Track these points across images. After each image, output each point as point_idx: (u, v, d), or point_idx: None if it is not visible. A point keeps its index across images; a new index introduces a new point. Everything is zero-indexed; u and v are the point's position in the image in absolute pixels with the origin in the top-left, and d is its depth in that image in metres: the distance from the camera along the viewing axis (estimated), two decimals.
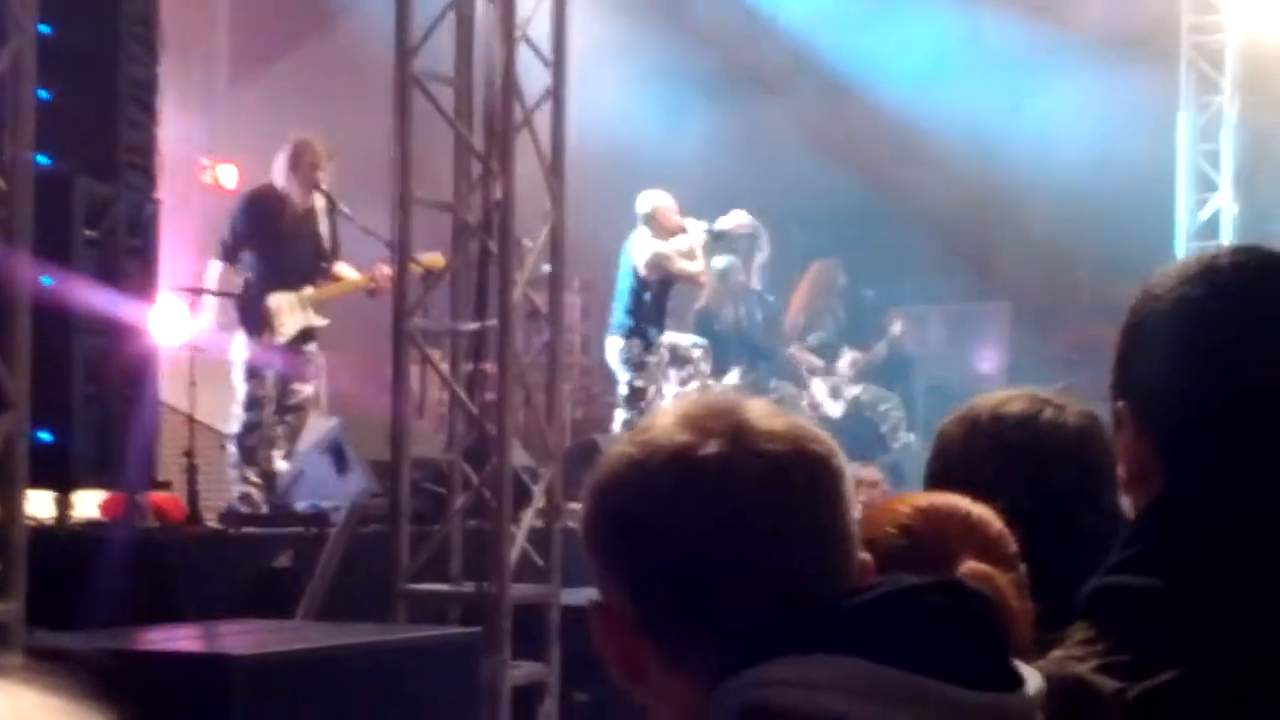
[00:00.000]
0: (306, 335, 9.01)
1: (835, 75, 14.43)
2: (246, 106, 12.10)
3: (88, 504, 7.43)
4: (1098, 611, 1.62)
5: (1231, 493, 1.59)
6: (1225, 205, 12.82)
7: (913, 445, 11.80)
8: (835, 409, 12.14)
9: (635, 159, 12.64)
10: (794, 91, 14.45)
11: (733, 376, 11.68)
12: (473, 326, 6.75)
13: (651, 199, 10.70)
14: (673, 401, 9.73)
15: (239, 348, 8.92)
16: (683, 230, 10.72)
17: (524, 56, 6.57)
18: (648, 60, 13.83)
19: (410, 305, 6.64)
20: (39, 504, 6.83)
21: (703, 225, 10.83)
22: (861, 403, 12.25)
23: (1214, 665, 1.51)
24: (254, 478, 8.78)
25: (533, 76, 6.63)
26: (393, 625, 6.24)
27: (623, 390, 10.61)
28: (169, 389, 8.22)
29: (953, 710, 1.27)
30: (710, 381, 11.29)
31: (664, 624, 1.36)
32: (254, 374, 8.88)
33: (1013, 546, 1.83)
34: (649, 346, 10.56)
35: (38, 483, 6.09)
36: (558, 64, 6.67)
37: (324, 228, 9.08)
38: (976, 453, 2.20)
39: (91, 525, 7.09)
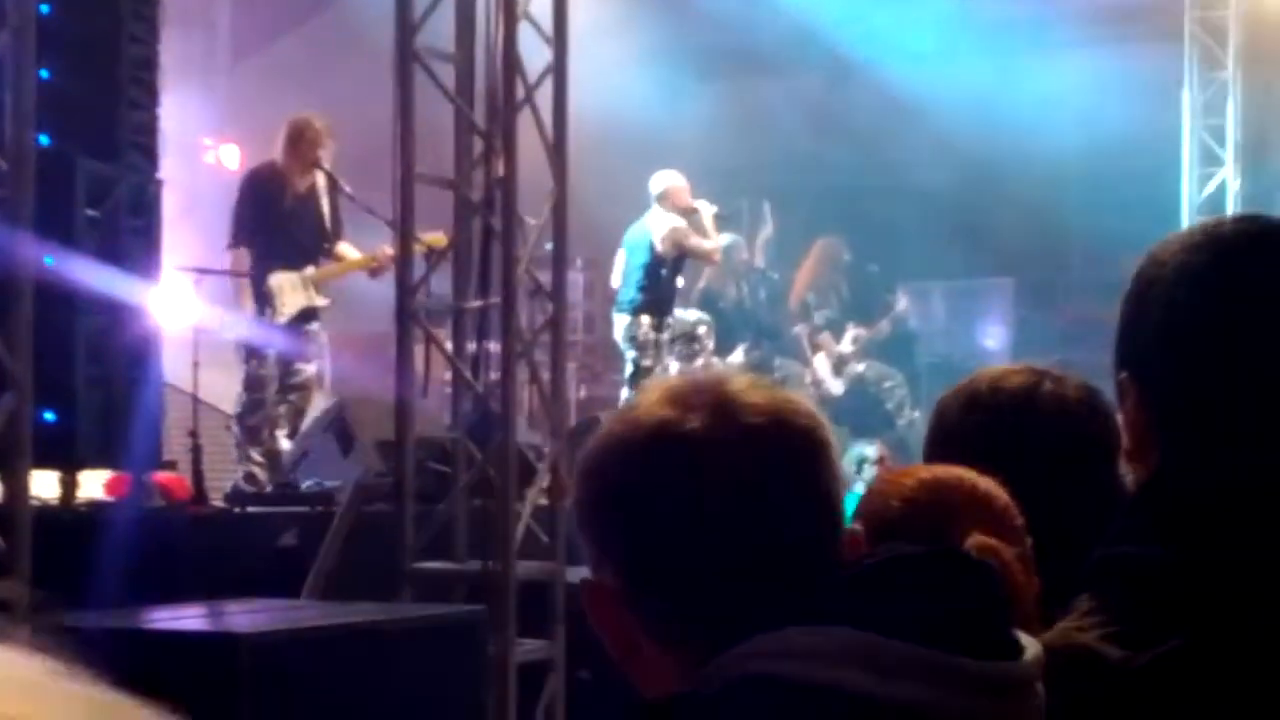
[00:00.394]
0: (308, 315, 9.00)
1: (836, 52, 14.39)
2: (249, 86, 12.08)
3: (93, 484, 7.44)
4: (1101, 582, 1.61)
5: (1230, 462, 1.59)
6: (1230, 180, 12.80)
7: (917, 422, 11.80)
8: (839, 386, 12.14)
9: (637, 137, 12.62)
10: (795, 69, 14.42)
11: (737, 355, 11.68)
12: (476, 305, 6.74)
13: (665, 179, 10.75)
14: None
15: (240, 327, 8.91)
16: (694, 210, 10.77)
17: (525, 34, 6.55)
18: (649, 38, 13.81)
19: (413, 283, 6.63)
20: (44, 484, 6.84)
21: (713, 208, 10.88)
22: (866, 380, 12.25)
23: (1217, 633, 1.51)
24: (257, 457, 8.79)
25: (534, 54, 6.61)
26: (398, 604, 6.25)
27: (629, 369, 10.63)
28: (173, 369, 8.23)
29: (951, 679, 1.27)
30: (715, 360, 11.29)
31: (654, 599, 1.37)
32: (254, 354, 8.87)
33: (1018, 519, 1.83)
34: (660, 324, 10.57)
35: (42, 463, 6.10)
36: (559, 41, 6.65)
37: (325, 207, 9.06)
38: (976, 426, 2.20)
39: (96, 505, 7.10)
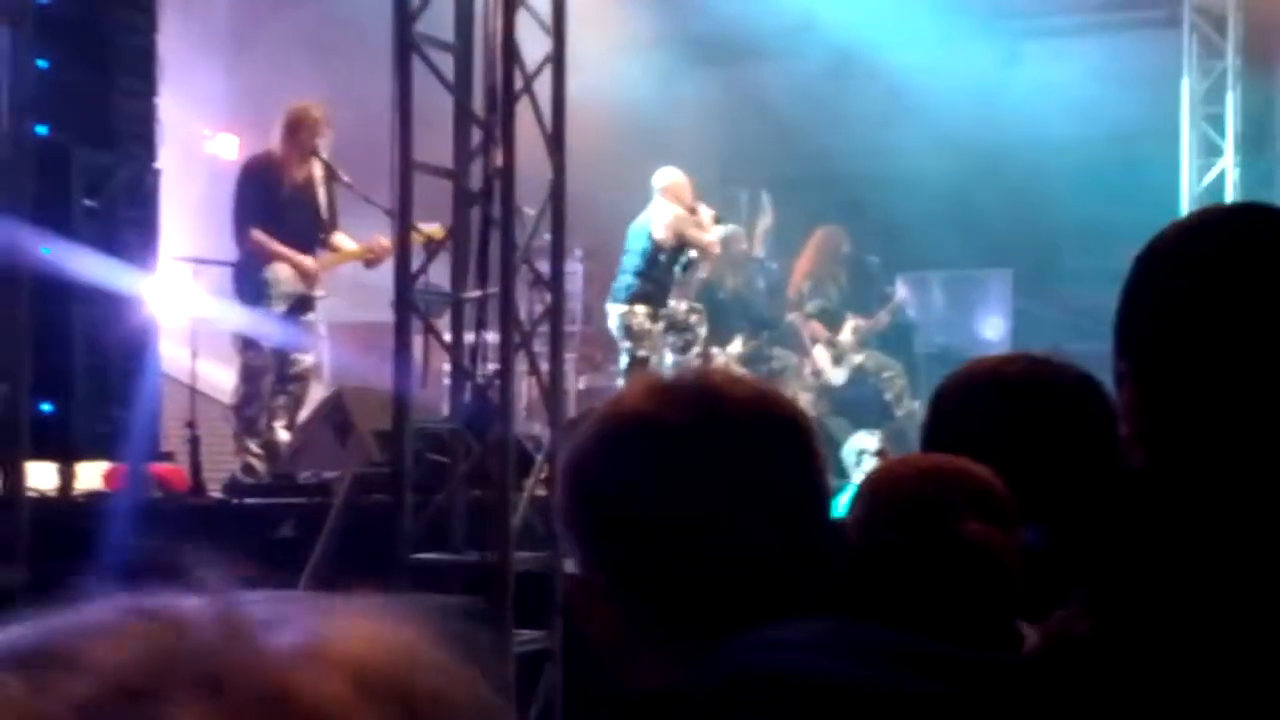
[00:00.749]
0: (305, 304, 8.97)
1: (835, 41, 14.37)
2: (247, 76, 12.06)
3: (91, 475, 7.45)
4: (1096, 571, 1.61)
5: (1226, 453, 1.58)
6: (1229, 169, 12.78)
7: (916, 412, 11.78)
8: (838, 377, 12.12)
9: (637, 126, 12.61)
10: (794, 57, 14.39)
11: (735, 345, 11.67)
12: (475, 295, 6.73)
13: (668, 174, 10.79)
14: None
15: (232, 316, 8.86)
16: (694, 211, 10.82)
17: (524, 23, 6.54)
18: (648, 26, 13.79)
19: (412, 273, 6.62)
20: (43, 475, 6.84)
21: (712, 212, 10.95)
22: (865, 370, 12.23)
23: (1208, 625, 1.51)
24: (255, 448, 8.76)
25: (533, 43, 6.60)
26: (396, 595, 6.24)
27: (624, 360, 10.64)
28: (171, 359, 8.23)
29: (947, 669, 1.27)
30: (715, 350, 11.29)
31: (642, 593, 1.36)
32: (250, 344, 8.83)
33: (1014, 508, 1.82)
34: (654, 314, 10.58)
35: (40, 454, 6.10)
36: (558, 31, 6.63)
37: (322, 196, 9.02)
38: (974, 414, 2.19)
39: (95, 496, 7.10)
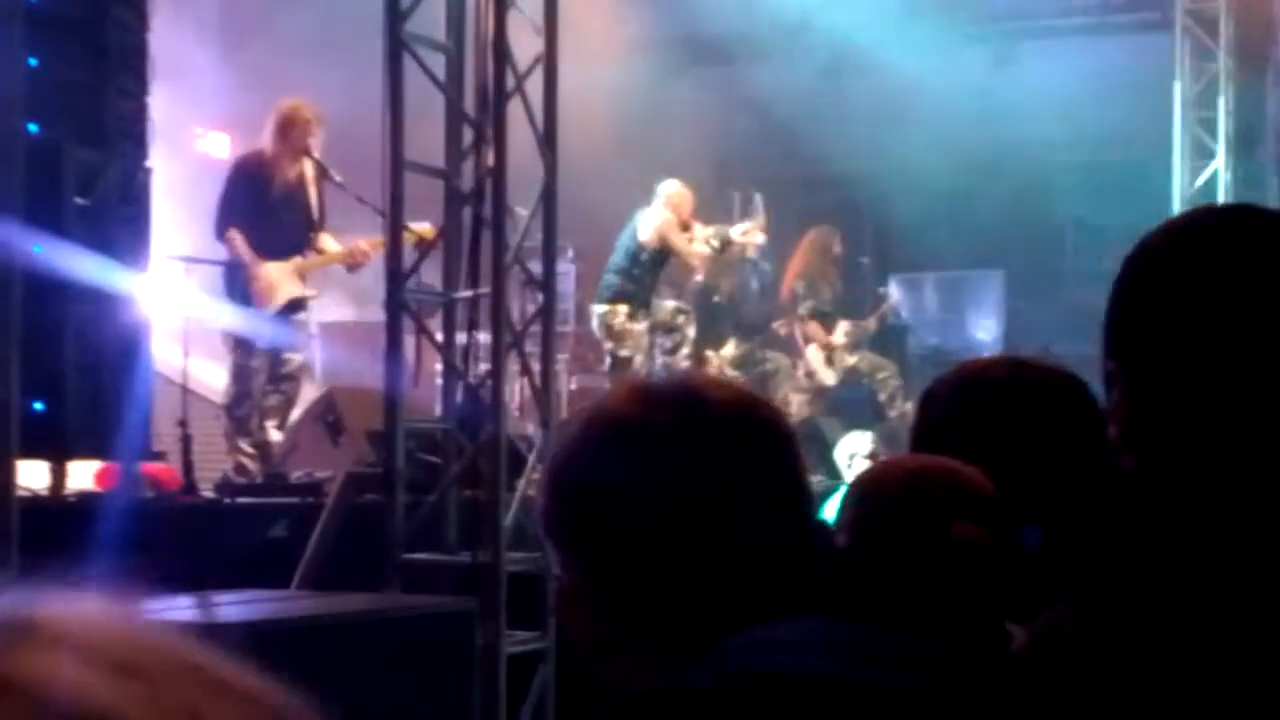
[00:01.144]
0: (297, 305, 8.95)
1: (828, 42, 14.37)
2: (239, 74, 12.05)
3: (83, 474, 7.43)
4: (1090, 573, 1.61)
5: (1217, 455, 1.58)
6: (1221, 171, 12.80)
7: (910, 414, 11.75)
8: (831, 378, 12.13)
9: (630, 126, 12.61)
10: (787, 58, 14.40)
11: (729, 348, 11.68)
12: (466, 295, 6.73)
13: (672, 186, 10.83)
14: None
15: (225, 315, 8.84)
16: (689, 227, 10.85)
17: (516, 23, 6.53)
18: (641, 26, 13.79)
19: (403, 273, 6.62)
20: (34, 475, 6.82)
21: (708, 232, 10.96)
22: (858, 371, 12.24)
23: (1201, 626, 1.51)
24: (247, 448, 8.74)
25: (524, 43, 6.60)
26: (388, 595, 6.24)
27: (607, 360, 10.67)
28: (163, 358, 8.21)
29: (936, 668, 1.27)
30: (708, 352, 11.29)
31: (631, 596, 1.36)
32: (242, 344, 8.81)
33: (1004, 509, 1.83)
34: (634, 314, 10.59)
35: (31, 453, 6.09)
36: (549, 31, 6.63)
37: (313, 196, 8.99)
38: (960, 418, 2.19)
39: (86, 495, 7.09)
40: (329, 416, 8.55)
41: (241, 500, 7.77)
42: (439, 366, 7.24)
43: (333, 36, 11.29)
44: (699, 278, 11.67)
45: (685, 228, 10.85)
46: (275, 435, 8.82)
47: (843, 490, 1.87)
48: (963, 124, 13.59)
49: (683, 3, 14.27)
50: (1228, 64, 12.79)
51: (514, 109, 6.49)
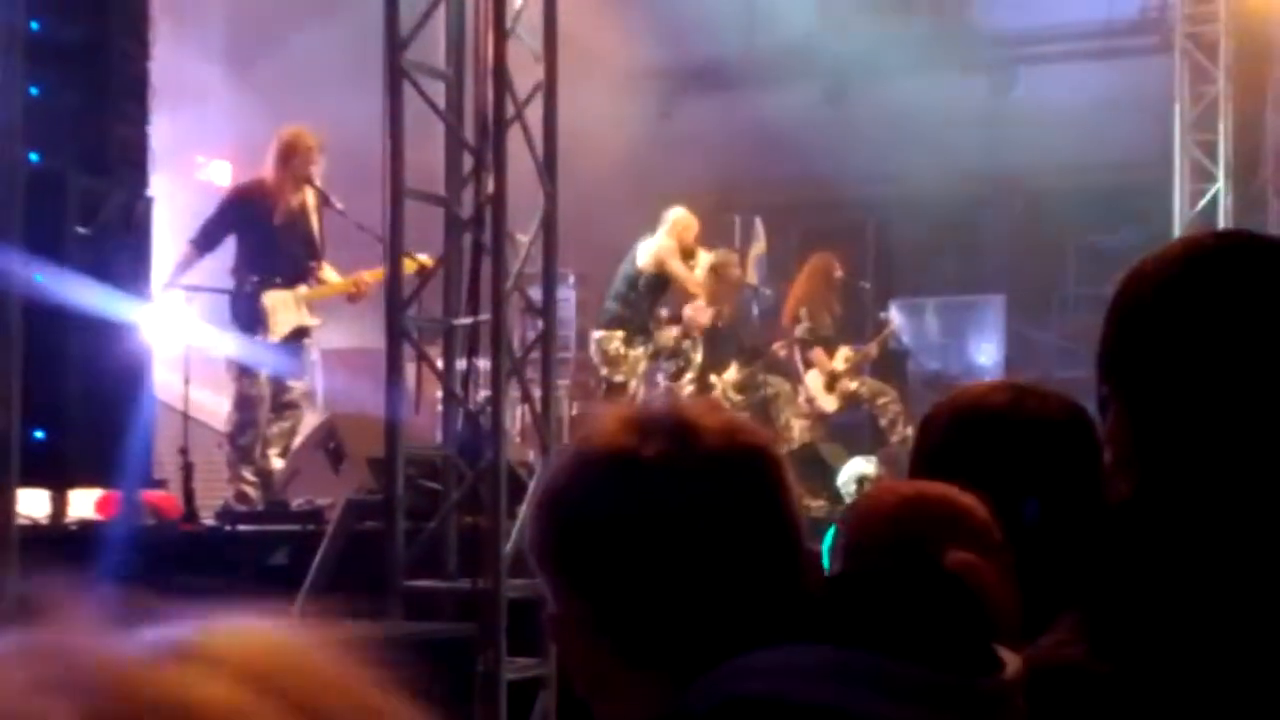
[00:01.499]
0: (300, 333, 8.94)
1: (830, 68, 14.41)
2: (241, 102, 12.08)
3: (84, 502, 7.43)
4: (1086, 598, 1.61)
5: (1214, 479, 1.58)
6: (1222, 195, 12.81)
7: (910, 439, 11.73)
8: (832, 404, 12.12)
9: (632, 152, 12.63)
10: (789, 84, 14.44)
11: (730, 373, 11.68)
12: (466, 321, 6.73)
13: (677, 213, 10.85)
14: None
15: (226, 344, 8.81)
16: (693, 254, 10.86)
17: (515, 50, 6.55)
18: (643, 52, 13.82)
19: (403, 300, 6.62)
20: (35, 503, 6.82)
21: (710, 258, 10.98)
22: (859, 397, 12.22)
23: (1201, 648, 1.50)
24: (249, 476, 8.73)
25: (524, 70, 6.61)
26: (388, 621, 6.23)
27: (602, 386, 10.69)
28: (164, 386, 8.22)
29: (929, 694, 1.27)
30: (712, 377, 11.29)
31: (624, 625, 1.36)
32: (245, 372, 8.79)
33: (998, 535, 1.83)
34: (631, 340, 10.60)
35: (32, 481, 6.09)
36: (549, 58, 6.65)
37: (314, 224, 8.98)
38: (958, 445, 2.19)
39: (87, 524, 7.09)
40: (330, 444, 8.54)
41: (242, 528, 7.77)
42: (440, 393, 7.24)
43: (333, 64, 11.32)
44: (700, 303, 11.67)
45: (689, 254, 10.86)
46: (277, 463, 8.81)
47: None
48: (964, 149, 13.62)
49: (684, 28, 14.30)
50: (1227, 87, 12.81)
51: (514, 136, 6.50)
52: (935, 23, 14.75)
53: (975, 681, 1.30)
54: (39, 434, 6.38)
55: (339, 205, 8.73)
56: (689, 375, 10.96)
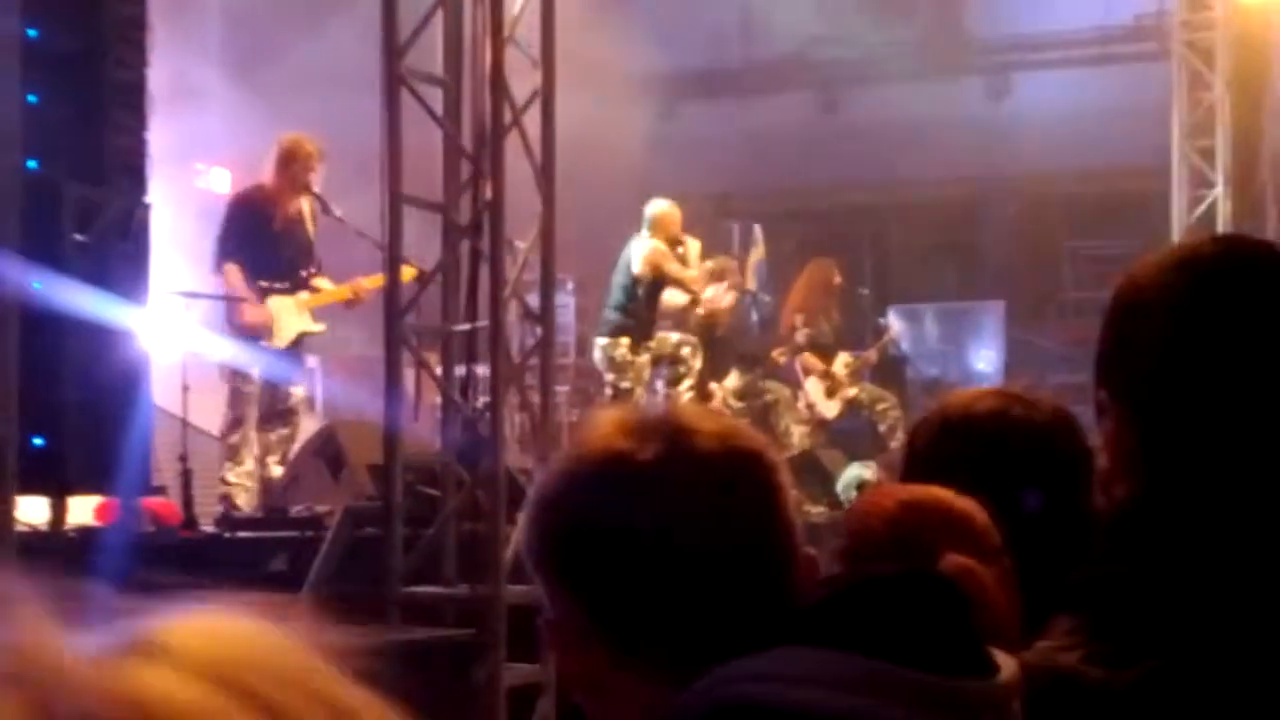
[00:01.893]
0: (298, 340, 8.94)
1: (827, 75, 14.43)
2: (239, 109, 12.09)
3: (83, 509, 7.43)
4: (1082, 602, 1.61)
5: (1212, 484, 1.58)
6: (1220, 201, 12.81)
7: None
8: (831, 410, 12.12)
9: (629, 159, 12.64)
10: (786, 91, 14.45)
11: (730, 379, 11.68)
12: (465, 328, 6.73)
13: (657, 205, 10.83)
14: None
15: (225, 350, 8.81)
16: (681, 242, 10.83)
17: (513, 57, 6.55)
18: (640, 60, 13.84)
19: (402, 307, 6.62)
20: (34, 510, 6.82)
21: (698, 244, 10.97)
22: (859, 403, 12.23)
23: (1198, 654, 1.50)
24: (230, 479, 8.68)
25: (522, 77, 6.61)
26: (387, 628, 6.22)
27: (608, 392, 10.66)
28: (163, 393, 8.21)
29: (923, 697, 1.27)
30: (712, 384, 11.29)
31: (620, 629, 1.37)
32: (238, 372, 8.77)
33: (996, 539, 1.83)
34: (637, 347, 10.60)
35: (30, 488, 6.09)
36: (547, 65, 6.65)
37: (312, 232, 8.97)
38: (946, 453, 2.19)
39: (86, 530, 7.09)
40: (329, 450, 8.54)
41: (241, 534, 7.77)
42: (438, 400, 7.24)
43: (331, 71, 11.33)
44: (700, 310, 11.68)
45: (676, 243, 10.83)
46: (276, 470, 8.81)
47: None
48: (962, 156, 13.63)
49: (682, 35, 14.32)
50: (1225, 94, 12.81)
51: (512, 142, 6.50)
52: (933, 30, 14.77)
53: (969, 685, 1.30)
54: (38, 441, 6.38)
55: (338, 212, 8.73)
56: (688, 382, 10.96)
